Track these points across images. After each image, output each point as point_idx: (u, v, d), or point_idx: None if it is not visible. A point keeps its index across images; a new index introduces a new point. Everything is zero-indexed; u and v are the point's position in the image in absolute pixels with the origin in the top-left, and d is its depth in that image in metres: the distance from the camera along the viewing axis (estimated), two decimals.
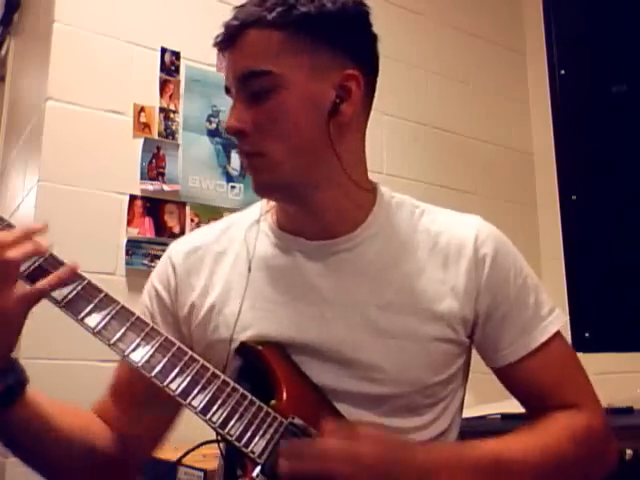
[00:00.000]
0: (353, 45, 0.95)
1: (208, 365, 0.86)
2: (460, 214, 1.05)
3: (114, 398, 1.02)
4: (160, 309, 1.03)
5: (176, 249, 1.06)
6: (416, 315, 0.95)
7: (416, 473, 0.82)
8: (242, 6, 0.94)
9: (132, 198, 2.08)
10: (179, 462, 1.49)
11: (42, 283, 0.82)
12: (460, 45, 2.93)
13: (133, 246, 2.04)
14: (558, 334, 1.00)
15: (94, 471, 0.97)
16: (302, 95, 0.92)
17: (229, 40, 0.93)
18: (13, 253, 0.81)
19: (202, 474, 1.49)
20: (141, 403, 0.98)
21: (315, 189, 0.95)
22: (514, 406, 1.07)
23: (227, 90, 0.97)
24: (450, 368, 0.97)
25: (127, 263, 2.01)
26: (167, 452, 1.65)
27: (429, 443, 0.93)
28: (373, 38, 0.99)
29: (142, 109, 2.15)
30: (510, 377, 1.00)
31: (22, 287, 0.82)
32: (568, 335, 1.11)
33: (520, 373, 0.98)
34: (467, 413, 1.06)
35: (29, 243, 0.83)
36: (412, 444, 0.87)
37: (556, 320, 1.00)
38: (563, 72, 1.25)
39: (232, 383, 0.86)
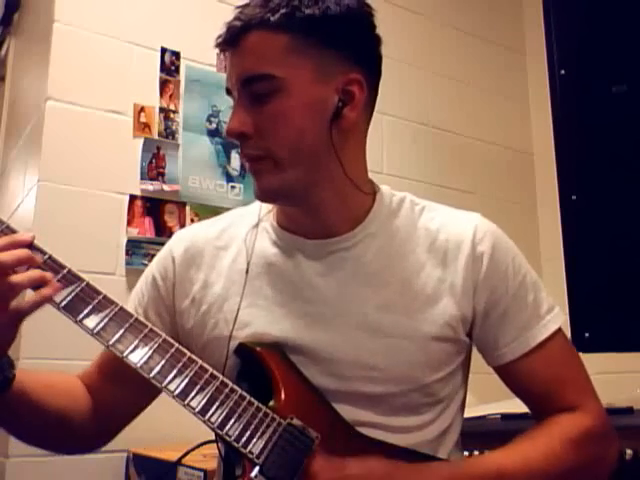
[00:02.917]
0: (357, 48, 0.95)
1: (207, 366, 0.86)
2: (460, 211, 1.05)
3: (99, 369, 1.04)
4: (154, 297, 1.04)
5: (177, 241, 1.07)
6: (414, 314, 0.95)
7: None
8: (244, 6, 0.93)
9: (132, 198, 2.08)
10: (179, 462, 1.50)
11: (28, 302, 0.82)
12: (460, 45, 2.92)
13: (133, 246, 2.04)
14: (559, 332, 1.00)
15: (67, 438, 1.01)
16: (305, 99, 0.91)
17: (231, 41, 0.92)
18: (17, 278, 0.81)
19: (202, 474, 1.49)
20: (126, 379, 0.97)
21: (315, 190, 0.95)
22: (514, 406, 1.08)
23: (228, 91, 0.96)
24: (449, 366, 0.97)
25: (127, 263, 2.01)
26: (167, 452, 1.65)
27: (426, 464, 0.91)
28: (377, 40, 0.98)
29: (142, 109, 2.14)
30: (510, 375, 1.00)
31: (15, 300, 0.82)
32: (568, 335, 1.11)
33: (520, 371, 0.98)
34: (467, 413, 1.06)
35: (22, 253, 0.83)
36: (409, 465, 0.87)
37: (555, 318, 1.00)
38: (563, 72, 1.25)
39: (230, 384, 0.86)
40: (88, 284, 0.86)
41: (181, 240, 1.06)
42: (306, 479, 0.83)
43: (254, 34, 0.91)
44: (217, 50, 0.96)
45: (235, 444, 0.82)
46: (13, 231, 0.87)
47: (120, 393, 1.01)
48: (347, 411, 0.92)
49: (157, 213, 2.11)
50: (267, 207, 1.06)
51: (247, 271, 0.99)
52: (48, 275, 0.84)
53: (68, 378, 1.04)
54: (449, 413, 0.99)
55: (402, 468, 0.86)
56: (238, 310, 0.96)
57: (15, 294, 0.81)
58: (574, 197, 1.23)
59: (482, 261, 0.98)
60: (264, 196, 0.97)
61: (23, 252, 0.83)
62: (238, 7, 0.94)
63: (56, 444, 1.04)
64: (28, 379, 0.93)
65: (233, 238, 1.04)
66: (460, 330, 0.97)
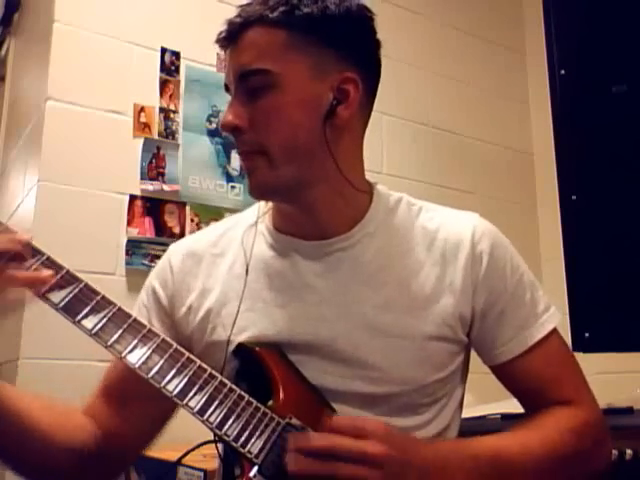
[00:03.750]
0: (354, 49, 0.95)
1: (205, 366, 0.86)
2: (457, 211, 1.05)
3: (106, 398, 1.01)
4: (156, 307, 1.04)
5: (175, 251, 1.07)
6: (414, 314, 0.95)
7: (421, 470, 0.82)
8: (246, 4, 0.94)
9: (132, 198, 2.08)
10: (179, 462, 1.49)
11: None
12: (460, 45, 2.92)
13: (133, 246, 2.04)
14: (554, 331, 1.00)
15: (79, 469, 0.96)
16: (299, 95, 0.92)
17: (231, 37, 0.94)
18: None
19: (202, 474, 1.48)
20: (134, 402, 0.97)
21: (309, 188, 0.95)
22: (514, 406, 1.07)
23: (227, 88, 0.97)
24: (448, 367, 0.97)
25: (127, 263, 2.01)
26: (167, 452, 1.65)
27: (430, 440, 0.93)
28: (376, 43, 0.99)
29: (142, 109, 2.15)
30: (507, 374, 1.00)
31: None
32: (568, 335, 1.11)
33: (517, 370, 0.98)
34: (467, 413, 1.06)
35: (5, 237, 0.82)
36: (415, 440, 0.88)
37: (552, 318, 1.00)
38: (563, 72, 1.25)
39: (229, 384, 0.86)
40: (86, 285, 0.86)
41: (178, 250, 1.07)
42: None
43: (253, 30, 0.92)
44: (217, 50, 0.97)
45: (234, 444, 0.82)
46: (12, 232, 0.87)
47: (137, 415, 0.99)
48: (346, 411, 0.92)
49: (157, 213, 2.11)
50: (263, 210, 1.06)
51: (247, 272, 0.99)
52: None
53: (68, 406, 1.00)
54: (447, 412, 0.99)
55: (399, 447, 0.83)
56: (237, 314, 0.96)
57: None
58: (574, 197, 1.22)
59: (481, 260, 0.98)
60: (257, 193, 0.97)
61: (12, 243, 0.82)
62: (240, 6, 0.95)
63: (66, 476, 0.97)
64: (22, 397, 0.91)
65: (230, 244, 1.04)
66: (459, 329, 0.97)
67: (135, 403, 0.97)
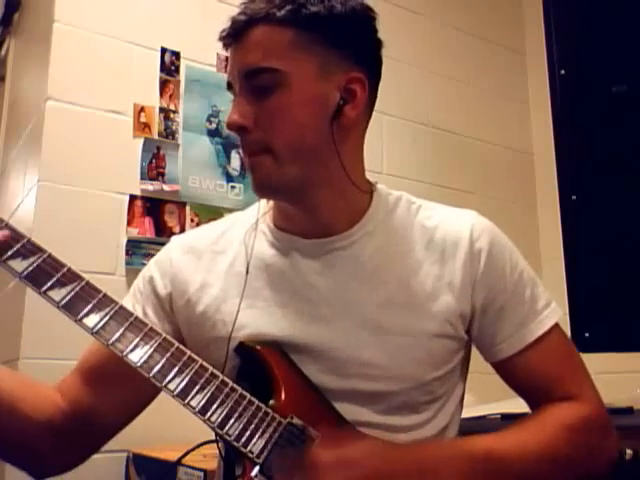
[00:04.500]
0: (360, 48, 0.96)
1: (207, 365, 0.86)
2: (456, 209, 1.06)
3: (83, 378, 1.00)
4: (153, 296, 1.03)
5: (176, 244, 1.07)
6: (414, 312, 0.95)
7: (409, 473, 0.82)
8: (250, 1, 0.94)
9: (132, 198, 2.08)
10: (179, 462, 1.50)
11: None
12: (460, 45, 2.93)
13: (133, 246, 2.04)
14: (556, 327, 1.00)
15: (46, 445, 0.95)
16: (306, 95, 0.92)
17: (235, 35, 0.93)
18: None
19: (202, 474, 1.48)
20: (112, 385, 0.97)
21: (313, 188, 0.95)
22: (514, 406, 1.08)
23: (229, 86, 0.97)
24: (448, 364, 0.98)
25: (127, 263, 2.02)
26: (167, 452, 1.65)
27: (420, 442, 0.93)
28: (378, 43, 0.99)
29: (142, 109, 2.14)
30: (508, 371, 1.00)
31: None
32: (568, 335, 1.11)
33: (518, 367, 0.99)
34: (467, 413, 1.06)
35: None
36: (402, 445, 0.88)
37: (552, 314, 1.00)
38: (563, 72, 1.25)
39: (231, 383, 0.86)
40: (88, 283, 0.86)
41: (179, 244, 1.07)
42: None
43: (259, 28, 0.91)
44: (217, 50, 0.96)
45: (235, 443, 0.82)
46: (13, 229, 0.87)
47: (108, 399, 0.98)
48: (347, 410, 0.92)
49: (157, 213, 2.11)
50: (264, 209, 1.06)
51: (247, 271, 0.99)
52: None
53: (35, 380, 0.99)
54: (447, 410, 0.99)
55: (391, 455, 0.84)
56: (238, 311, 0.96)
57: None
58: (574, 197, 1.22)
59: (480, 258, 0.98)
60: (261, 191, 0.97)
61: None
62: (243, 3, 0.95)
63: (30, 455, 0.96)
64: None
65: (230, 242, 1.04)
66: (459, 327, 0.97)
67: (113, 386, 0.97)
